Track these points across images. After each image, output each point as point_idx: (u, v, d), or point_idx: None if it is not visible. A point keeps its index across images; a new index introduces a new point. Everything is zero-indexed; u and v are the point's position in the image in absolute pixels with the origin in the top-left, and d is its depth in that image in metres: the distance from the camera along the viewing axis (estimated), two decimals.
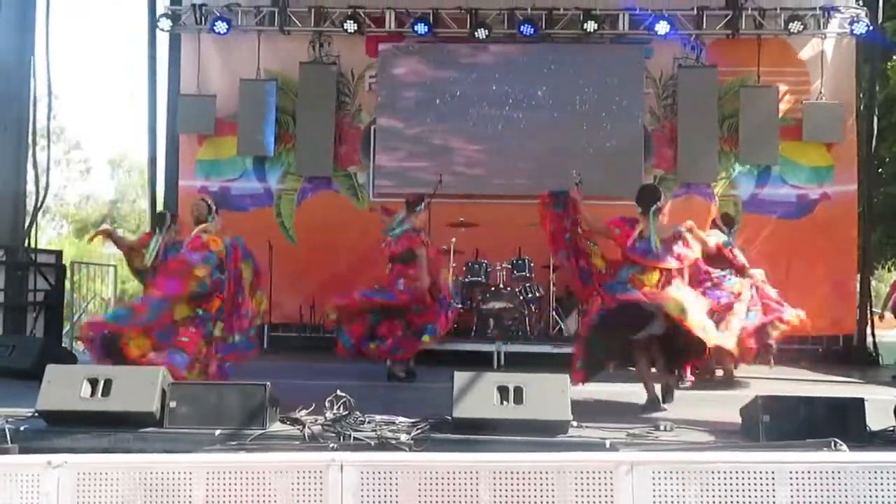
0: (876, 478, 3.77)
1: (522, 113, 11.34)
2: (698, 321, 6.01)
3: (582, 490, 3.82)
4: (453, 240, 9.66)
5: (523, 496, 3.83)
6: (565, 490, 3.82)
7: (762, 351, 7.63)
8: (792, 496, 3.77)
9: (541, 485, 3.84)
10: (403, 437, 4.73)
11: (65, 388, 5.00)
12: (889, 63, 14.22)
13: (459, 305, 9.07)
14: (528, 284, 9.81)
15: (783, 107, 11.05)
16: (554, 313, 9.95)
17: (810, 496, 3.77)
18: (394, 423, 4.97)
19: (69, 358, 7.88)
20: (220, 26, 11.26)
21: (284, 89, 11.47)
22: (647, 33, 11.15)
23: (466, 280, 9.86)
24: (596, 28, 10.98)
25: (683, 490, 3.80)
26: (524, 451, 4.35)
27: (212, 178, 11.51)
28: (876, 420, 4.86)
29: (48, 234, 30.27)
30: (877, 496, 3.75)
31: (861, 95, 11.30)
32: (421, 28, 11.17)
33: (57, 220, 33.99)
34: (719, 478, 3.81)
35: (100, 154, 50.00)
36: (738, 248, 8.06)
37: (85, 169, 35.92)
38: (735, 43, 11.21)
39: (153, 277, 6.71)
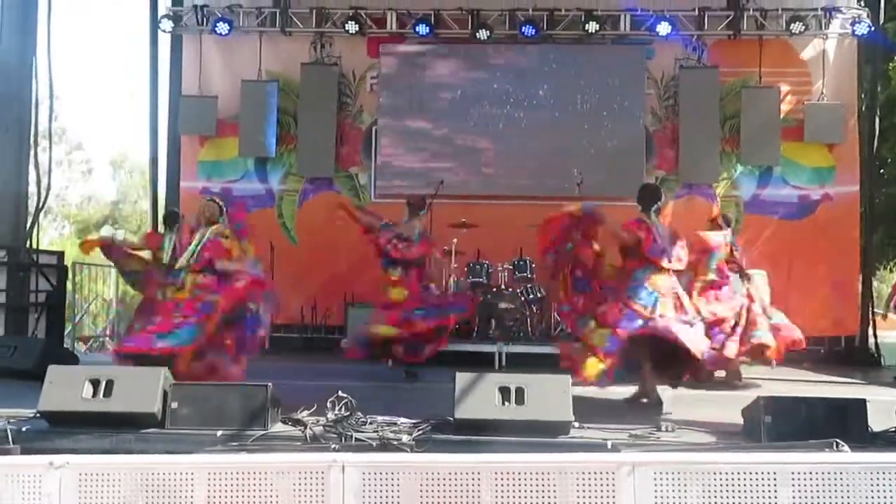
0: (878, 478, 3.78)
1: (524, 114, 11.33)
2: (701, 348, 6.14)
3: (584, 491, 3.82)
4: (455, 241, 9.66)
5: (525, 497, 3.83)
6: (567, 491, 3.82)
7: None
8: (794, 497, 3.77)
9: (542, 485, 3.84)
10: (405, 438, 4.72)
11: (66, 388, 5.01)
12: (890, 64, 14.21)
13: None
14: (529, 285, 9.81)
15: (785, 107, 11.04)
16: (556, 314, 9.95)
17: (812, 497, 3.77)
18: (395, 423, 4.97)
19: (71, 359, 7.89)
20: (222, 27, 11.26)
21: (286, 90, 11.48)
22: (648, 34, 11.15)
23: (468, 281, 9.85)
24: (597, 29, 10.98)
25: (685, 491, 3.80)
26: (526, 452, 4.35)
27: (213, 179, 11.52)
28: (878, 421, 4.86)
29: (50, 235, 30.28)
30: (879, 497, 3.75)
31: (863, 96, 11.29)
32: (422, 29, 11.17)
33: (59, 221, 33.99)
34: (721, 478, 3.81)
35: (101, 155, 49.93)
36: (737, 249, 8.10)
37: (86, 170, 35.91)
38: (736, 44, 11.20)
39: (174, 279, 6.71)
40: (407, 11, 11.29)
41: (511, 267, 9.89)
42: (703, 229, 7.95)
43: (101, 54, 53.71)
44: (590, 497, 3.81)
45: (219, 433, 4.81)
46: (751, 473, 3.81)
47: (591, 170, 10.60)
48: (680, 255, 6.42)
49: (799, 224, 10.94)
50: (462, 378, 5.06)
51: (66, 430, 4.91)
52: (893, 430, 4.83)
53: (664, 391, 6.33)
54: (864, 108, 11.30)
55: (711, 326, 7.16)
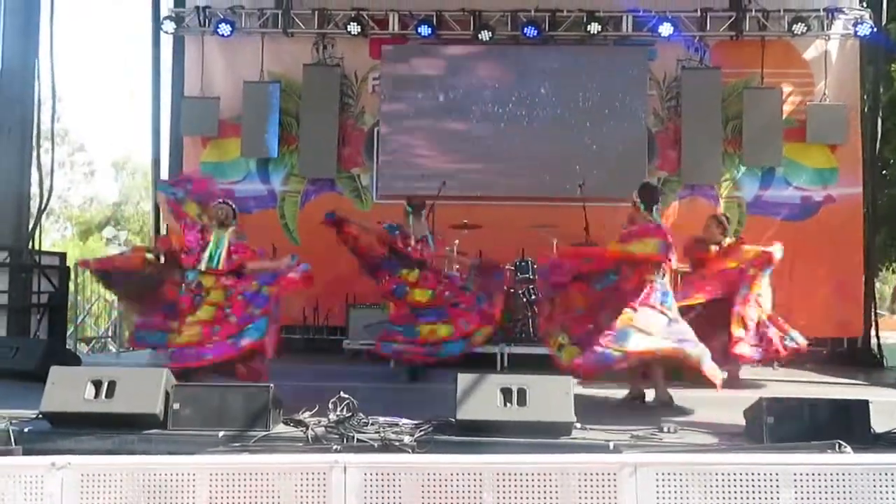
0: (880, 480, 3.77)
1: (526, 115, 11.33)
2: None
3: (585, 492, 3.82)
4: (457, 241, 9.65)
5: (527, 498, 3.83)
6: (569, 492, 3.82)
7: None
8: (796, 498, 3.76)
9: (544, 486, 3.83)
10: (407, 439, 4.72)
11: (69, 389, 5.01)
12: (893, 64, 14.20)
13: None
14: (531, 286, 9.78)
15: (787, 108, 11.03)
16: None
17: (814, 498, 3.76)
18: (397, 424, 4.96)
19: (73, 360, 7.89)
20: (224, 28, 11.27)
21: (288, 91, 11.48)
22: (650, 35, 11.15)
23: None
24: (599, 30, 10.99)
25: (687, 492, 3.79)
26: (528, 453, 4.34)
27: (215, 180, 11.50)
28: (880, 422, 4.85)
29: (52, 237, 30.34)
30: (881, 498, 3.74)
31: (865, 97, 11.27)
32: (424, 30, 11.18)
33: (61, 223, 34.04)
34: (723, 479, 3.80)
35: (104, 156, 50.00)
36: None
37: (89, 171, 36.00)
38: (739, 44, 11.20)
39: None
40: (409, 13, 11.30)
41: (513, 268, 9.87)
42: (702, 231, 7.96)
43: (102, 56, 53.87)
44: (592, 498, 3.81)
45: (221, 434, 4.82)
46: (753, 474, 3.81)
47: (592, 171, 10.61)
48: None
49: (801, 225, 10.94)
50: (464, 379, 5.06)
51: (68, 430, 4.92)
52: None
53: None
54: (866, 109, 11.29)
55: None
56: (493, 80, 11.41)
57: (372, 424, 4.93)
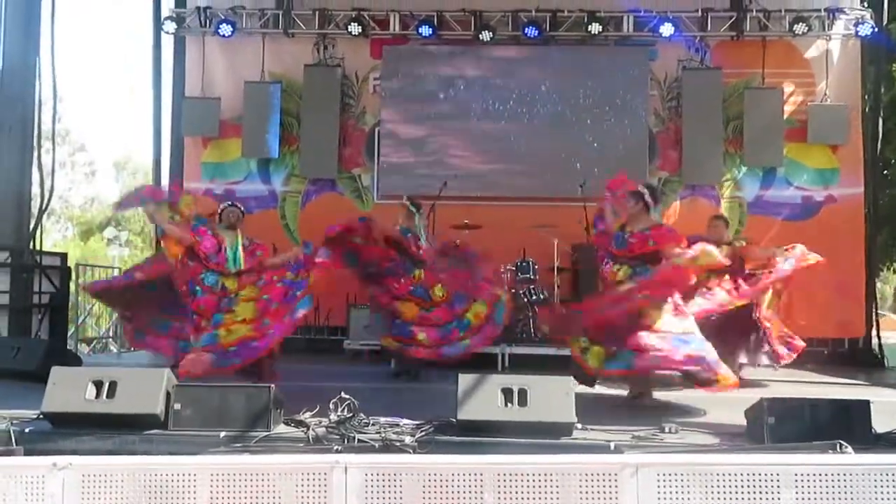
0: (881, 480, 3.76)
1: (526, 115, 11.34)
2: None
3: (586, 492, 3.81)
4: (457, 241, 9.64)
5: (528, 498, 3.83)
6: (570, 492, 3.82)
7: None
8: (797, 498, 3.76)
9: (545, 487, 3.83)
10: (408, 440, 4.73)
11: (70, 389, 5.02)
12: (894, 64, 14.19)
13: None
14: (532, 286, 9.78)
15: (788, 108, 11.03)
16: None
17: (815, 499, 3.76)
18: (398, 425, 4.97)
19: (74, 360, 7.90)
20: (225, 29, 11.28)
21: (289, 91, 11.49)
22: (651, 35, 11.15)
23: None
24: (600, 30, 10.99)
25: (688, 492, 3.79)
26: (528, 454, 4.34)
27: (216, 181, 11.54)
28: (881, 422, 4.85)
29: (53, 237, 30.38)
30: (882, 498, 3.74)
31: (866, 97, 11.26)
32: (425, 30, 11.19)
33: (62, 223, 34.08)
34: (724, 480, 3.80)
35: (105, 156, 50.11)
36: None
37: (90, 171, 36.07)
38: (740, 45, 11.19)
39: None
40: (410, 13, 11.31)
41: (514, 268, 9.86)
42: (705, 231, 7.95)
43: (104, 56, 53.89)
44: (593, 498, 3.80)
45: (222, 434, 4.82)
46: (754, 475, 3.80)
47: (593, 171, 10.59)
48: None
49: (803, 225, 10.92)
50: (465, 379, 5.06)
51: (69, 431, 4.92)
52: None
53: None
54: (867, 110, 11.28)
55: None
56: (494, 79, 11.40)
57: (373, 425, 4.93)
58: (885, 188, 14.23)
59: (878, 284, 13.50)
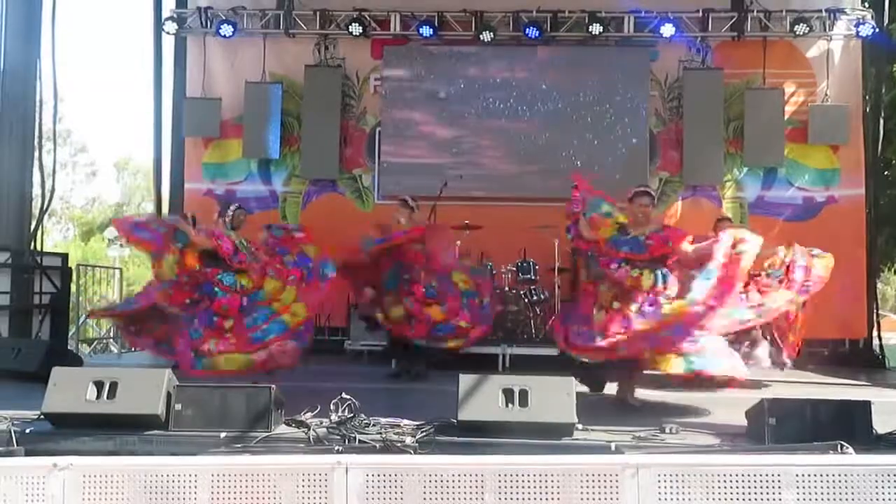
0: (882, 481, 3.77)
1: (527, 115, 11.33)
2: None
3: (587, 493, 3.82)
4: (458, 242, 9.65)
5: (528, 499, 3.83)
6: (571, 493, 3.82)
7: None
8: (798, 499, 3.76)
9: (546, 487, 3.83)
10: (408, 440, 4.72)
11: (70, 390, 5.02)
12: (895, 65, 14.17)
13: None
14: (532, 287, 9.79)
15: (789, 109, 11.02)
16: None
17: (816, 499, 3.76)
18: (399, 425, 4.96)
19: (75, 360, 7.89)
20: (226, 29, 11.27)
21: (290, 92, 11.49)
22: (652, 36, 11.13)
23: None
24: (601, 31, 10.97)
25: (689, 493, 3.79)
26: (529, 454, 4.34)
27: (217, 181, 11.53)
28: (882, 423, 4.84)
29: (54, 237, 30.38)
30: (883, 499, 3.74)
31: (867, 97, 11.26)
32: (426, 31, 11.18)
33: (63, 223, 34.09)
34: (725, 480, 3.80)
35: (106, 157, 50.19)
36: None
37: (91, 172, 36.07)
38: (740, 45, 11.18)
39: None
40: (410, 13, 11.30)
41: (514, 269, 9.87)
42: (706, 231, 7.94)
43: (105, 57, 53.92)
44: (593, 499, 3.81)
45: (222, 435, 4.82)
46: (754, 475, 3.81)
47: (594, 171, 10.58)
48: None
49: (803, 226, 10.90)
50: (465, 380, 5.05)
51: (69, 431, 4.92)
52: None
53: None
54: (868, 110, 11.27)
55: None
56: (494, 80, 11.39)
57: (373, 425, 4.93)
58: (886, 189, 14.22)
59: (879, 285, 13.48)
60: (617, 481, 3.82)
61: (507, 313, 9.57)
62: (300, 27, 11.42)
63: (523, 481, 3.85)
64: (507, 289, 9.80)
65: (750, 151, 10.99)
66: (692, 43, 11.16)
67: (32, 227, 9.65)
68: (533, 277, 9.81)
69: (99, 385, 5.01)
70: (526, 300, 9.70)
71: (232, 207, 7.23)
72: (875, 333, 10.79)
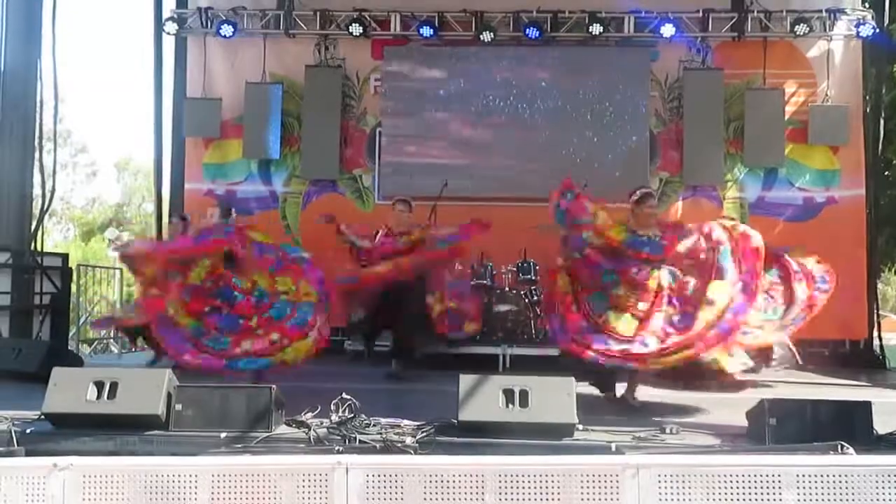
0: (883, 481, 3.76)
1: (527, 115, 11.32)
2: None
3: (588, 493, 3.82)
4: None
5: (529, 499, 3.83)
6: (571, 493, 3.82)
7: None
8: (798, 499, 3.76)
9: (546, 488, 3.83)
10: (409, 440, 4.72)
11: (71, 390, 5.02)
12: (895, 65, 14.17)
13: None
14: (533, 287, 9.78)
15: (789, 109, 11.01)
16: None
17: (817, 500, 3.76)
18: (399, 425, 4.96)
19: (75, 361, 7.89)
20: (226, 30, 11.27)
21: (290, 92, 11.49)
22: (652, 36, 11.13)
23: (472, 283, 9.84)
24: (601, 31, 10.97)
25: (689, 493, 3.79)
26: (530, 455, 4.35)
27: (218, 181, 11.53)
28: (883, 423, 4.84)
29: (54, 238, 30.39)
30: (883, 499, 3.74)
31: (867, 98, 11.26)
32: (426, 31, 11.18)
33: (63, 224, 34.08)
34: (725, 481, 3.80)
35: (106, 157, 50.22)
36: None
37: (91, 172, 36.07)
38: (741, 45, 11.18)
39: None
40: (411, 14, 11.30)
41: (515, 269, 9.87)
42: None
43: (105, 57, 53.94)
44: (594, 499, 3.81)
45: (223, 435, 4.82)
46: (755, 476, 3.80)
47: (595, 172, 10.59)
48: None
49: (803, 226, 10.90)
50: (466, 380, 5.06)
51: (70, 431, 4.92)
52: None
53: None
54: (868, 110, 11.27)
55: None
56: (494, 81, 11.38)
57: (374, 425, 4.93)
58: (886, 189, 14.22)
59: (879, 285, 13.48)
60: (617, 482, 3.82)
61: (507, 313, 9.58)
62: (300, 27, 11.41)
63: (523, 482, 3.85)
64: (507, 289, 9.80)
65: (750, 152, 10.99)
66: (692, 43, 11.16)
67: (33, 227, 9.65)
68: (533, 278, 9.80)
69: (99, 385, 5.02)
70: (526, 300, 9.70)
71: (233, 211, 7.42)
72: (875, 334, 10.78)
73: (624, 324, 6.05)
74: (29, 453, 4.56)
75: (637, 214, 6.40)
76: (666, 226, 6.53)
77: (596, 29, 10.93)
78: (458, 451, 4.50)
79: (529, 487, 3.84)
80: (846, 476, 3.78)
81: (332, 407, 5.02)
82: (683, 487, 3.79)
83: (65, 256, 10.57)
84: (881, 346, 10.71)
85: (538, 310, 9.78)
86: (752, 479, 3.80)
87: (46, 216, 10.14)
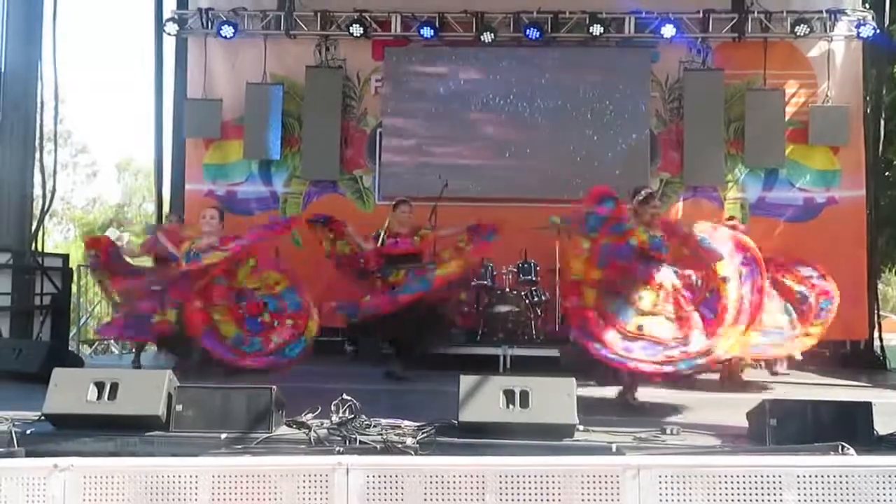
0: (883, 482, 3.76)
1: (528, 116, 11.32)
2: None
3: (588, 494, 3.81)
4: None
5: (529, 500, 3.83)
6: (571, 494, 3.82)
7: None
8: (799, 500, 3.76)
9: (547, 489, 3.83)
10: (409, 441, 4.72)
11: (71, 391, 5.02)
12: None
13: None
14: (533, 288, 9.79)
15: (789, 109, 11.00)
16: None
17: (817, 500, 3.76)
18: (399, 426, 4.96)
19: (76, 361, 7.90)
20: (227, 30, 11.27)
21: (290, 93, 11.49)
22: (653, 37, 11.12)
23: (472, 283, 9.84)
24: (602, 32, 10.96)
25: (690, 494, 3.79)
26: (530, 455, 4.34)
27: (218, 182, 11.53)
28: (883, 424, 4.84)
29: (55, 238, 30.36)
30: (884, 500, 3.74)
31: (868, 98, 11.25)
32: (427, 32, 11.17)
33: (64, 224, 34.06)
34: (726, 481, 3.80)
35: (107, 158, 50.15)
36: None
37: (92, 172, 36.04)
38: (741, 46, 11.17)
39: None
40: (411, 14, 11.29)
41: (515, 270, 9.87)
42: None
43: (106, 57, 53.93)
44: (594, 500, 3.80)
45: (223, 436, 4.82)
46: (756, 477, 3.80)
47: (595, 173, 10.60)
48: None
49: (804, 226, 10.90)
50: (466, 381, 5.06)
51: (70, 432, 4.92)
52: None
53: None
54: (869, 111, 11.27)
55: None
56: (495, 82, 11.38)
57: (374, 426, 4.92)
58: (887, 190, 14.20)
59: (880, 286, 13.47)
60: (618, 482, 3.82)
61: (508, 314, 9.58)
62: (301, 28, 11.41)
63: (524, 482, 3.84)
64: (507, 290, 9.80)
65: (751, 152, 10.98)
66: (693, 44, 11.15)
67: (33, 227, 9.65)
68: (534, 278, 9.81)
69: (100, 386, 5.02)
70: (527, 301, 9.70)
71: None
72: (876, 334, 10.77)
73: (662, 327, 6.02)
74: (29, 454, 4.56)
75: (641, 214, 6.39)
76: (664, 225, 6.53)
77: (596, 30, 10.92)
78: (459, 452, 4.50)
79: (530, 488, 3.84)
80: (847, 477, 3.78)
81: (333, 407, 5.01)
82: (684, 488, 3.79)
83: (65, 257, 10.58)
84: (882, 347, 10.70)
85: (538, 310, 9.80)
86: (752, 480, 3.79)
87: (47, 216, 10.14)
